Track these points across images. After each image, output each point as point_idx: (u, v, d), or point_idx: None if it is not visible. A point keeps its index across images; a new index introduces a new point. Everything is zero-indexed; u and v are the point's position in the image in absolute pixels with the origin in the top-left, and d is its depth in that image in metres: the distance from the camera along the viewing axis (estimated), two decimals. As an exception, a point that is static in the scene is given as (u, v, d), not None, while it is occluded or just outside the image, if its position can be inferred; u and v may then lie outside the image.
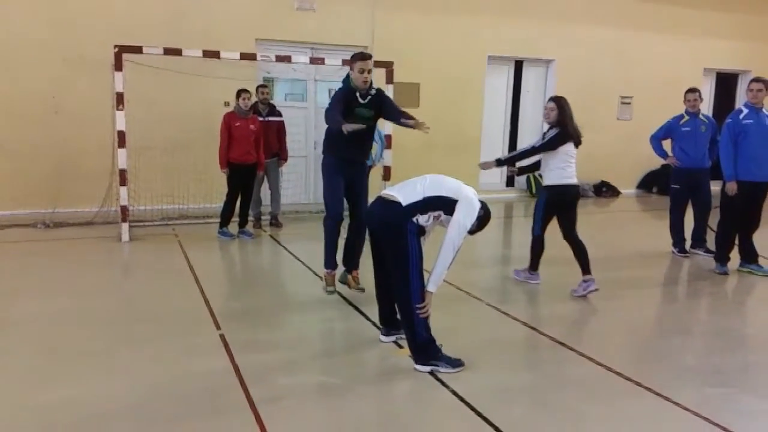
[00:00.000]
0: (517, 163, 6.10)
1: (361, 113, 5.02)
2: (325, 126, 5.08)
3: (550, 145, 5.61)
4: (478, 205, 3.92)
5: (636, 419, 3.44)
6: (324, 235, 5.30)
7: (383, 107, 5.14)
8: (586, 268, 5.72)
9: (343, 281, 5.46)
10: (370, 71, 4.96)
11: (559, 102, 5.66)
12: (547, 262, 6.20)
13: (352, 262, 5.43)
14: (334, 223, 5.21)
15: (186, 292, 5.57)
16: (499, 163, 5.84)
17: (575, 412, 3.48)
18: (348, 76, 5.06)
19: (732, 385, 3.90)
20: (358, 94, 5.01)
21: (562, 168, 5.65)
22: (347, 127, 4.58)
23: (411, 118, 4.84)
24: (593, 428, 3.33)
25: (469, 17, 11.09)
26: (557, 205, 5.76)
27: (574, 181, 5.74)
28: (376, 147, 7.82)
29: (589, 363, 4.14)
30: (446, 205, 3.90)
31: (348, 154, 5.13)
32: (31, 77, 8.64)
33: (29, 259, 6.75)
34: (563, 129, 5.60)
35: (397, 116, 4.99)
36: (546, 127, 5.93)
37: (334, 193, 5.16)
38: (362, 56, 5.01)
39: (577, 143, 5.70)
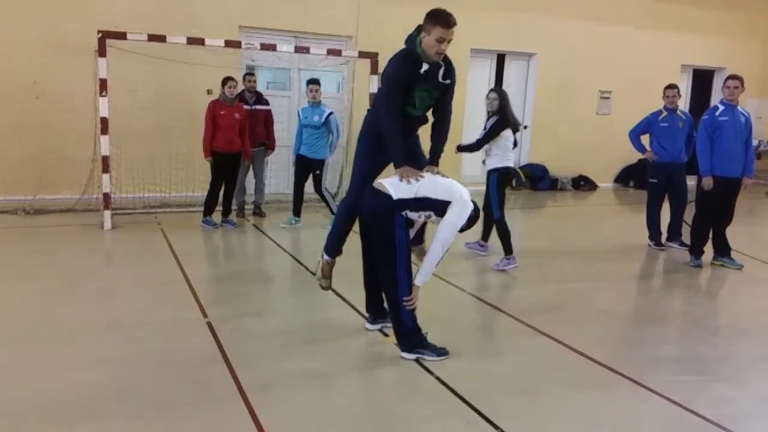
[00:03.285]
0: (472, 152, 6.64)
1: (423, 98, 3.99)
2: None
3: (493, 132, 6.21)
4: (471, 207, 3.90)
5: (613, 405, 3.57)
6: (335, 218, 4.56)
7: (444, 96, 4.10)
8: (484, 236, 6.75)
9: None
10: (449, 42, 3.86)
11: (501, 93, 6.37)
12: (525, 253, 6.34)
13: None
14: (352, 210, 4.29)
15: (170, 280, 5.59)
16: (458, 149, 6.47)
17: (555, 398, 3.60)
18: (414, 38, 3.93)
19: (705, 373, 4.05)
20: (425, 66, 3.89)
21: (503, 153, 6.26)
22: (404, 172, 3.84)
23: (441, 147, 4.18)
24: (572, 413, 3.45)
25: (452, 10, 10.83)
26: (504, 186, 6.36)
27: (512, 164, 6.39)
28: (331, 138, 7.90)
29: (568, 351, 4.27)
30: (438, 207, 3.90)
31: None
32: (11, 61, 8.51)
33: (10, 247, 6.70)
34: (502, 117, 6.22)
35: (440, 123, 4.18)
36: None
37: (366, 177, 4.19)
38: (446, 20, 3.81)
39: (515, 130, 6.35)
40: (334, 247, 4.44)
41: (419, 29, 3.94)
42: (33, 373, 3.68)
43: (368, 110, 4.34)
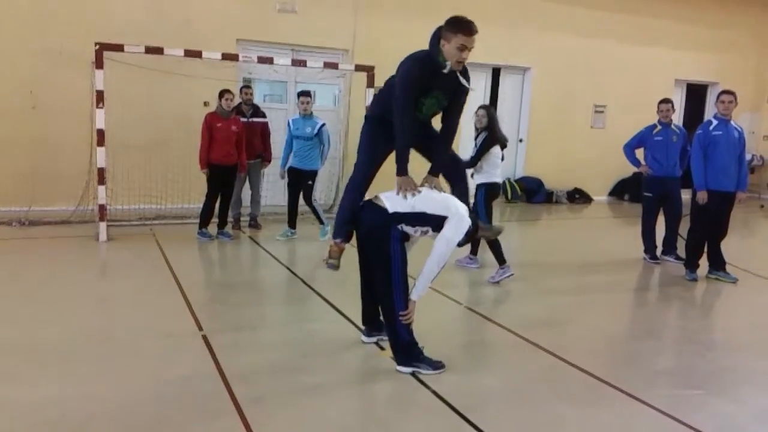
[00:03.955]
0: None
1: (431, 104, 4.00)
2: None
3: (483, 149, 6.36)
4: (468, 222, 3.91)
5: (609, 420, 3.56)
6: (342, 200, 4.45)
7: (457, 102, 4.07)
8: (473, 250, 6.86)
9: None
10: (470, 51, 3.81)
11: (489, 110, 6.56)
12: (520, 266, 6.34)
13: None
14: (357, 190, 4.27)
15: (166, 292, 5.56)
16: None
17: (552, 413, 3.59)
18: (435, 43, 3.85)
19: (702, 387, 4.04)
20: (447, 67, 3.84)
21: (491, 169, 6.41)
22: (403, 183, 3.88)
23: (443, 159, 4.18)
24: (569, 428, 3.44)
25: (448, 24, 11.18)
26: (492, 199, 6.48)
27: (500, 179, 6.56)
28: (322, 149, 7.95)
29: (563, 364, 4.26)
30: (434, 222, 3.90)
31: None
32: (7, 70, 8.51)
33: (5, 258, 6.66)
34: (491, 133, 6.37)
35: (445, 134, 4.16)
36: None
37: (372, 161, 4.24)
38: (468, 28, 3.73)
39: (503, 146, 6.49)
40: (340, 230, 4.32)
41: (438, 36, 3.86)
42: (27, 387, 3.65)
43: (375, 95, 4.47)
